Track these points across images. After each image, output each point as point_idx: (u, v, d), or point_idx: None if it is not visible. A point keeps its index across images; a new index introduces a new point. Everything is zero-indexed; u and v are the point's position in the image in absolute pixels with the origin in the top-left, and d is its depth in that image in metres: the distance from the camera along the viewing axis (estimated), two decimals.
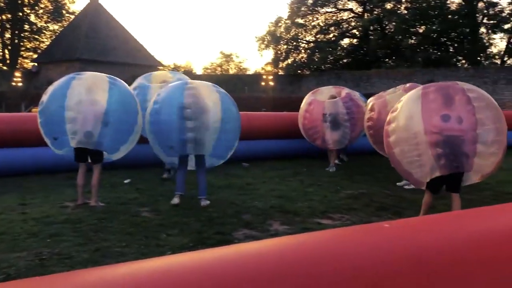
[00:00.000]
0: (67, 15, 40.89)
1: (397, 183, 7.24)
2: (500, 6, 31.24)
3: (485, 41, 31.66)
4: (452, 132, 4.43)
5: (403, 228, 1.32)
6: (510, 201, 6.17)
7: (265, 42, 36.94)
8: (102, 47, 31.85)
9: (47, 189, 6.49)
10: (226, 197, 6.25)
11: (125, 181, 7.15)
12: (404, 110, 4.73)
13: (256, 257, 1.07)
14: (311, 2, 35.29)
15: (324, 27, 36.37)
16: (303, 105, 9.37)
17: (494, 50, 32.44)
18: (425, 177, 4.65)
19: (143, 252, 4.00)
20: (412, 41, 32.44)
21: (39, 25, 41.07)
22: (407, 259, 1.13)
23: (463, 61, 31.53)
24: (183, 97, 5.62)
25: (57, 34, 38.52)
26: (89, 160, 5.64)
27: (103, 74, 5.86)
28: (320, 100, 9.08)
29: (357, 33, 36.23)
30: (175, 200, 5.73)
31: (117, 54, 32.13)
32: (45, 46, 38.88)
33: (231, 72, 47.75)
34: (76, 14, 38.03)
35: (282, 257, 1.07)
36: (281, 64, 36.09)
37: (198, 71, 52.70)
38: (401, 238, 1.23)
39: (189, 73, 48.09)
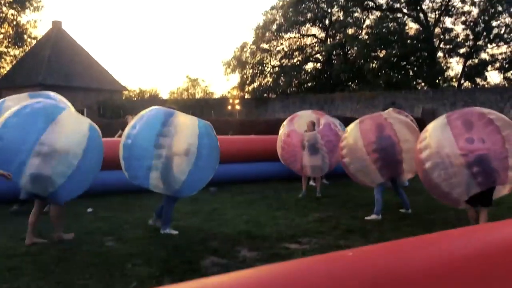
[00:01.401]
0: (28, 40, 40.09)
1: (365, 218, 6.83)
2: (455, 32, 32.81)
3: (442, 64, 33.00)
4: (479, 151, 5.01)
5: (365, 256, 1.35)
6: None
7: (231, 67, 37.32)
8: (65, 72, 31.29)
9: (5, 220, 6.24)
10: (193, 223, 6.18)
11: (88, 210, 6.96)
12: (434, 138, 5.26)
13: None
14: (275, 28, 36.03)
15: (288, 52, 37.11)
16: (281, 135, 9.13)
17: (451, 73, 33.86)
18: (464, 195, 5.15)
19: (107, 284, 3.89)
20: (374, 65, 33.45)
21: None
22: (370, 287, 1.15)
23: (423, 84, 32.69)
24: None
25: (18, 59, 37.64)
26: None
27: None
28: (298, 132, 8.85)
29: (320, 57, 37.11)
30: (150, 221, 5.90)
31: (81, 79, 31.61)
32: (5, 72, 37.88)
33: (198, 96, 47.78)
34: (38, 39, 37.32)
35: None
36: (247, 88, 36.47)
37: (164, 95, 52.45)
38: (364, 266, 1.25)
39: (155, 97, 47.84)
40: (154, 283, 3.86)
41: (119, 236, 5.50)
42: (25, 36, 40.51)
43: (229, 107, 30.17)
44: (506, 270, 1.60)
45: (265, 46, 36.72)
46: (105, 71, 34.59)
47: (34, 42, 38.28)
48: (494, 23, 31.11)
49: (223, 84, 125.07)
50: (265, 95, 34.52)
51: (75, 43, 34.41)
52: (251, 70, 36.80)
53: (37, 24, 38.87)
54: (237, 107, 30.28)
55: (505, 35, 30.91)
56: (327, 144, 8.48)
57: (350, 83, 36.12)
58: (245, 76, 36.67)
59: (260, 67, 37.14)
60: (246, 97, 35.51)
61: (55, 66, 31.29)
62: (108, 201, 7.61)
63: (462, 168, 5.00)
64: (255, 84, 36.55)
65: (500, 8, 30.29)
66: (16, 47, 40.59)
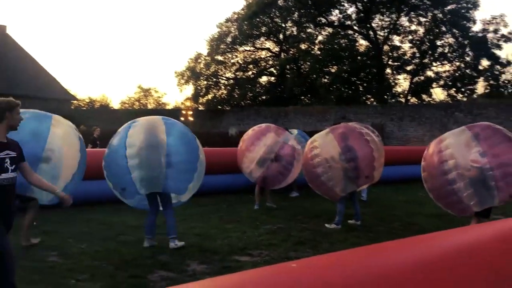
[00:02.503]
0: None
1: (326, 225, 7.08)
2: (403, 50, 34.18)
3: (390, 81, 34.23)
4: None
5: (309, 267, 1.35)
6: (417, 231, 6.58)
7: (185, 78, 37.04)
8: (10, 80, 29.97)
9: None
10: (142, 237, 6.01)
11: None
12: (457, 151, 5.48)
13: None
14: (230, 40, 36.19)
15: (243, 65, 37.32)
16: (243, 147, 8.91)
17: (399, 89, 35.12)
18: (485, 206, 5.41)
19: None
20: (326, 80, 34.23)
21: None
22: None
23: (372, 99, 33.75)
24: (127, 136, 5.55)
25: None
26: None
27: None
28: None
29: (274, 71, 37.56)
30: (145, 243, 5.59)
31: (26, 87, 30.35)
32: None
33: (150, 106, 47.00)
34: None
35: None
36: (201, 100, 36.26)
37: (115, 105, 51.25)
38: (307, 278, 1.25)
39: (105, 107, 46.67)
40: None
41: (62, 250, 5.27)
42: None
43: (182, 119, 29.88)
44: (454, 276, 1.63)
45: (219, 58, 36.76)
46: (53, 79, 33.44)
47: None
48: (439, 42, 32.68)
49: (176, 95, 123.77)
50: (219, 107, 34.46)
51: (21, 49, 33.08)
52: (205, 82, 36.67)
53: None
54: (191, 118, 30.05)
55: (449, 54, 32.52)
56: (285, 157, 8.46)
57: (303, 97, 36.73)
58: (199, 88, 36.50)
59: (214, 79, 37.10)
60: (200, 108, 35.31)
61: None
62: (51, 214, 7.29)
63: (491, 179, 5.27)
64: (209, 96, 36.42)
65: (444, 29, 31.90)
66: None
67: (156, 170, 5.40)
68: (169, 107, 46.24)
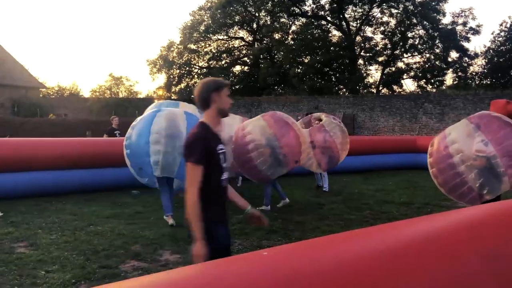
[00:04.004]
0: None
1: (259, 208, 7.24)
2: (375, 41, 34.60)
3: (363, 71, 34.66)
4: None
5: (279, 255, 1.37)
6: (387, 219, 6.73)
7: (157, 66, 36.56)
8: None
9: None
10: (114, 227, 5.96)
11: None
12: (463, 144, 5.59)
13: None
14: (203, 29, 35.85)
15: (216, 54, 37.08)
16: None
17: (370, 80, 35.61)
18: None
19: None
20: (299, 70, 34.37)
21: None
22: (282, 286, 1.17)
23: (344, 90, 34.12)
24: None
25: None
26: None
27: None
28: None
29: (248, 60, 37.47)
30: (171, 221, 6.14)
31: None
32: None
33: (121, 95, 46.22)
34: None
35: None
36: (174, 89, 35.93)
37: (86, 93, 50.17)
38: (277, 265, 1.27)
39: (75, 95, 45.66)
40: None
41: (31, 241, 5.17)
42: None
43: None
44: (421, 264, 1.66)
45: (192, 46, 36.40)
46: (20, 66, 32.49)
47: None
48: (410, 34, 33.22)
49: (148, 84, 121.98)
50: (192, 96, 34.20)
51: None
52: (178, 71, 36.31)
53: None
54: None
55: (419, 46, 33.12)
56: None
57: (276, 87, 36.81)
58: (171, 77, 36.12)
59: (187, 68, 36.76)
60: (172, 97, 34.95)
61: None
62: (20, 205, 7.13)
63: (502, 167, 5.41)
64: (182, 85, 36.11)
65: (415, 20, 32.42)
66: None
67: (173, 158, 6.15)
68: (141, 95, 45.60)
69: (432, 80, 33.07)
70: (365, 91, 33.99)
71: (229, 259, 1.42)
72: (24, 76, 31.98)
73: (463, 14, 31.24)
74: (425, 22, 31.84)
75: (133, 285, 1.12)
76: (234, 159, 7.47)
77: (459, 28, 31.35)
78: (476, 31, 30.96)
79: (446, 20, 32.28)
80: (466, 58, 31.68)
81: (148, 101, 33.59)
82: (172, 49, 36.72)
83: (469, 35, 31.18)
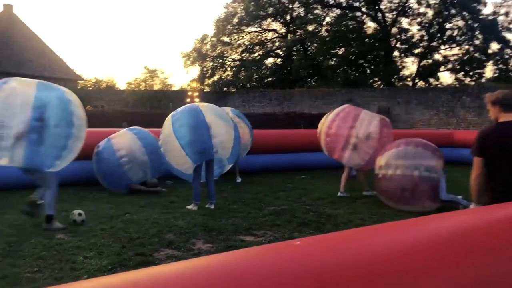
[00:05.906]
0: None
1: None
2: (411, 32, 33.80)
3: (398, 64, 33.95)
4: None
5: (313, 246, 1.37)
6: (420, 213, 6.61)
7: (191, 59, 36.88)
8: (16, 59, 30.00)
9: None
10: (148, 216, 6.09)
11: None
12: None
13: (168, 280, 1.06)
14: (237, 21, 35.89)
15: (249, 46, 37.07)
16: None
17: (406, 72, 34.84)
18: None
19: (56, 277, 3.78)
20: (332, 62, 33.99)
21: None
22: (314, 277, 1.17)
23: (379, 82, 33.53)
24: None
25: None
26: None
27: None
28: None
29: (281, 53, 37.30)
30: (195, 208, 6.63)
31: (33, 67, 30.39)
32: None
33: (156, 87, 46.92)
34: None
35: (192, 279, 1.06)
36: (207, 81, 36.17)
37: (121, 85, 51.21)
38: (310, 256, 1.27)
39: (112, 87, 46.67)
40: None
41: (70, 228, 5.36)
42: None
43: (188, 100, 29.85)
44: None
45: (226, 39, 36.52)
46: (59, 59, 33.42)
47: None
48: (448, 25, 32.29)
49: (182, 76, 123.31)
50: (225, 89, 34.39)
51: (27, 29, 33.01)
52: (211, 63, 36.52)
53: None
54: (196, 100, 30.02)
55: (457, 37, 32.14)
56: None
57: (309, 79, 36.53)
58: (205, 69, 36.37)
59: (220, 60, 36.93)
60: (205, 90, 35.24)
61: (4, 52, 29.92)
62: (59, 193, 7.37)
63: None
64: (215, 78, 36.32)
65: (453, 11, 31.46)
66: None
67: (206, 143, 6.69)
68: (175, 88, 46.16)
69: (471, 73, 32.08)
70: (400, 83, 33.31)
71: (261, 247, 1.43)
72: (63, 68, 32.89)
73: (505, 3, 30.12)
74: (464, 13, 30.85)
75: (170, 270, 1.14)
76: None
77: (500, 18, 30.29)
78: None
79: (486, 10, 31.47)
80: (508, 50, 30.53)
81: (181, 93, 34.00)
82: (206, 41, 36.96)
83: (511, 26, 30.03)
